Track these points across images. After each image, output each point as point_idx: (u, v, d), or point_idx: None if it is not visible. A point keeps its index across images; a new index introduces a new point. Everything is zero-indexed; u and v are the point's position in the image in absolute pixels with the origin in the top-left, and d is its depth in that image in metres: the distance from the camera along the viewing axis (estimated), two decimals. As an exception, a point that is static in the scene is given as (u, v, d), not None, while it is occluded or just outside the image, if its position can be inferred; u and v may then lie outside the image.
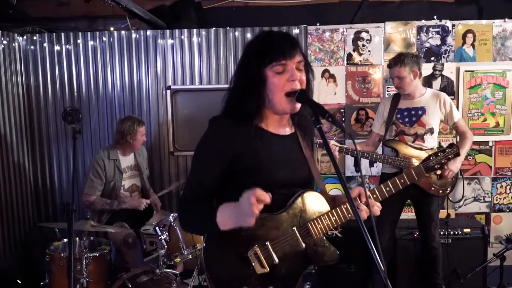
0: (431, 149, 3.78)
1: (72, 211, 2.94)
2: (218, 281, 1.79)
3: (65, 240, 3.60)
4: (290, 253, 1.80)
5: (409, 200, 4.18)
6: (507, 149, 4.93)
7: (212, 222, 1.65)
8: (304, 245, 1.80)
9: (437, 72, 4.87)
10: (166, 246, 3.55)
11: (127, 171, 4.28)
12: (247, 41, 1.86)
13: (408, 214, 4.69)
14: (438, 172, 3.64)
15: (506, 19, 4.80)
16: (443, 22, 4.84)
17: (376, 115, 4.13)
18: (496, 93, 4.84)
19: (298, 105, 1.76)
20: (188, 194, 1.84)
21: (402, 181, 2.13)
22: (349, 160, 5.00)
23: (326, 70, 4.90)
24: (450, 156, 2.67)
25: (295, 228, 1.80)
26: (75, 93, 5.03)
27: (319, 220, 1.82)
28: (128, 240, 4.02)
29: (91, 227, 3.51)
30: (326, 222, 1.82)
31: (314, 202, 1.85)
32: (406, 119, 3.86)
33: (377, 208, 1.80)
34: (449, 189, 3.83)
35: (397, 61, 3.79)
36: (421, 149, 3.80)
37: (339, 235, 4.30)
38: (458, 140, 4.15)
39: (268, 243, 1.77)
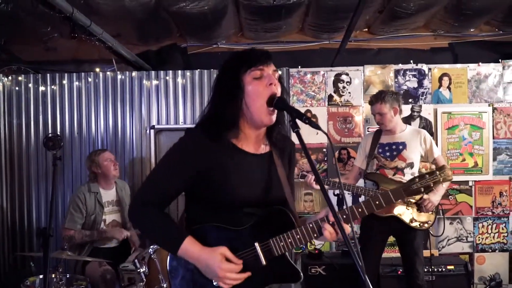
0: (411, 182, 3.83)
1: (49, 236, 2.87)
2: None
3: (41, 276, 3.49)
4: (250, 268, 1.74)
5: (393, 239, 4.16)
6: (487, 189, 4.99)
7: (175, 245, 1.72)
8: (264, 261, 1.75)
9: (415, 114, 5.01)
10: (145, 280, 3.45)
11: (107, 205, 4.21)
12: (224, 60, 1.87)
13: (391, 254, 4.66)
14: (418, 197, 3.68)
15: (480, 63, 5.02)
16: (419, 66, 5.04)
17: (358, 150, 4.19)
18: (473, 133, 4.97)
19: (274, 117, 1.79)
20: (150, 197, 1.80)
21: (377, 202, 1.83)
22: (332, 200, 4.98)
23: (308, 111, 5.01)
24: (439, 179, 1.99)
25: (257, 244, 1.75)
26: (58, 133, 5.01)
27: (282, 237, 1.76)
28: (106, 277, 3.89)
29: (67, 257, 3.41)
30: (289, 240, 1.76)
31: (281, 220, 1.80)
32: (387, 153, 3.92)
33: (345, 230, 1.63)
34: (429, 222, 3.83)
35: (378, 98, 3.92)
36: (400, 182, 3.83)
37: (323, 272, 4.24)
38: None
39: None
